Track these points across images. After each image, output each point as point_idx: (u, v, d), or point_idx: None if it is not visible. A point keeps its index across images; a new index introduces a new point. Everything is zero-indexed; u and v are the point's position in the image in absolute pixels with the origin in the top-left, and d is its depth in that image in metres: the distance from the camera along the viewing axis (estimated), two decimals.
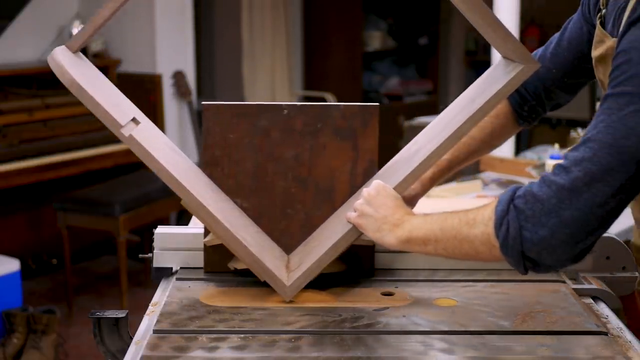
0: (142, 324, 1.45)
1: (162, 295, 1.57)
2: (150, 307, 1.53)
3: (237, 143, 1.60)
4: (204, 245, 1.62)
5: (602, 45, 1.47)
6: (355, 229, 1.50)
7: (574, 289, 1.59)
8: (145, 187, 4.52)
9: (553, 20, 7.57)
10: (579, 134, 3.38)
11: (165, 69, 5.12)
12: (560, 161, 1.32)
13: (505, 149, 3.92)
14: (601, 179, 1.26)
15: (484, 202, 1.45)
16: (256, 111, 1.60)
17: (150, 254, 1.69)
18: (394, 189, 1.51)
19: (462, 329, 1.40)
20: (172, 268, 1.69)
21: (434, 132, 1.58)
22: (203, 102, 1.62)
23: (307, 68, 6.56)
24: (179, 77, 5.14)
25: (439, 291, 1.57)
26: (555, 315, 1.45)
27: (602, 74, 1.53)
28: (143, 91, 5.11)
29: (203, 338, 1.35)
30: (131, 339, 1.43)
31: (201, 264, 1.67)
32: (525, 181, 2.74)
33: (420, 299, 1.53)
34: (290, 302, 1.51)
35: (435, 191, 3.28)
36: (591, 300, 1.58)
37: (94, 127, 4.98)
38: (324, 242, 1.54)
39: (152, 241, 1.69)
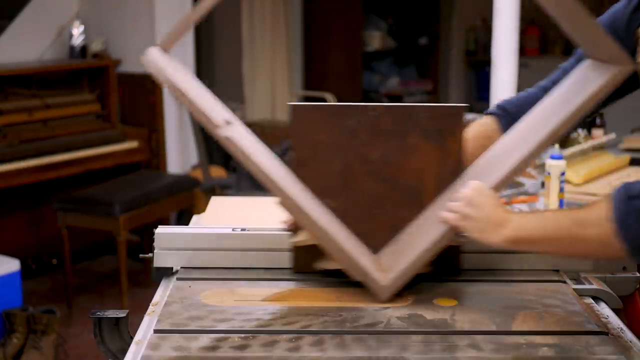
0: (142, 323, 1.45)
1: (163, 295, 1.57)
2: (150, 307, 1.53)
3: (325, 144, 1.60)
4: (293, 246, 1.63)
5: None
6: (452, 231, 1.50)
7: (575, 289, 1.59)
8: (145, 187, 4.52)
9: (553, 20, 7.57)
10: (579, 134, 3.38)
11: None
12: None
13: None
14: None
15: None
16: (344, 112, 1.60)
17: (150, 254, 1.69)
18: (491, 189, 1.51)
19: (462, 329, 1.40)
20: (172, 268, 1.69)
21: (524, 134, 1.58)
22: (291, 104, 1.61)
23: (307, 68, 6.55)
24: None
25: (439, 291, 1.57)
26: (555, 315, 1.45)
27: None
28: (143, 91, 5.11)
29: (203, 338, 1.35)
30: (131, 338, 1.43)
31: (201, 263, 1.68)
32: (525, 181, 2.74)
33: (420, 299, 1.53)
34: (290, 302, 1.51)
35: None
36: (591, 300, 1.58)
37: (94, 127, 4.99)
38: (417, 243, 1.54)
39: (152, 241, 1.69)
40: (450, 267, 1.65)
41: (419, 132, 1.60)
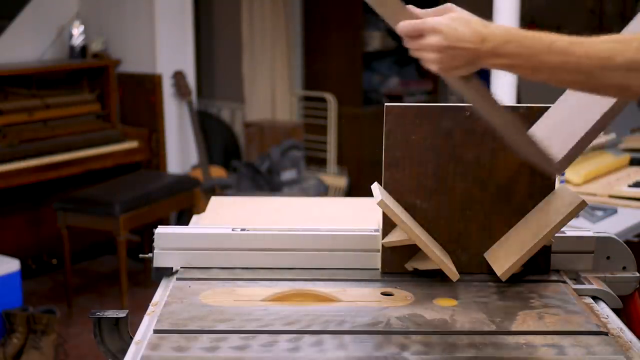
0: (142, 323, 1.45)
1: (163, 295, 1.57)
2: (150, 307, 1.53)
3: (419, 144, 1.60)
4: (382, 246, 1.63)
5: None
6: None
7: (575, 289, 1.59)
8: (145, 187, 4.52)
9: (553, 20, 7.57)
10: None
11: (165, 69, 5.12)
12: None
13: None
14: None
15: None
16: (439, 112, 1.60)
17: (150, 254, 1.69)
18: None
19: (462, 329, 1.40)
20: (172, 268, 1.69)
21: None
22: (386, 105, 1.60)
23: (307, 68, 6.55)
24: (179, 77, 5.14)
25: (439, 291, 1.57)
26: (555, 315, 1.45)
27: None
28: (143, 91, 5.12)
29: (203, 338, 1.35)
30: (131, 338, 1.43)
31: (201, 263, 1.68)
32: None
33: (420, 299, 1.53)
34: (290, 302, 1.51)
35: None
36: (591, 300, 1.58)
37: (94, 127, 5.00)
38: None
39: (152, 241, 1.69)
40: (540, 266, 1.65)
41: None
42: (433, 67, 1.27)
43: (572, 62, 1.22)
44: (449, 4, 1.31)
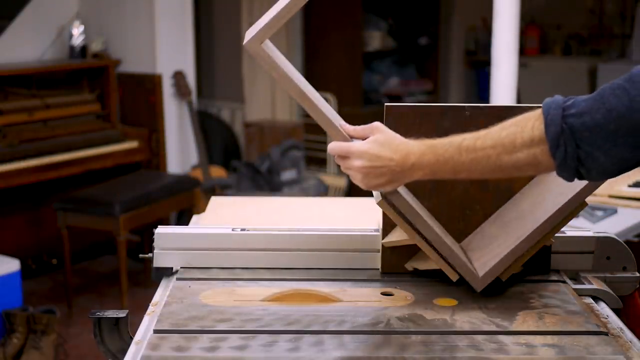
0: (142, 323, 1.45)
1: (163, 295, 1.57)
2: (150, 307, 1.53)
3: None
4: (382, 246, 1.63)
5: None
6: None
7: (575, 289, 1.59)
8: (145, 187, 4.52)
9: (553, 20, 7.57)
10: None
11: (165, 69, 5.12)
12: None
13: None
14: None
15: None
16: (439, 112, 1.60)
17: (150, 254, 1.69)
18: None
19: (462, 329, 1.40)
20: (172, 268, 1.69)
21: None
22: (386, 105, 1.59)
23: (307, 68, 6.55)
24: (179, 77, 5.14)
25: (439, 291, 1.57)
26: (555, 315, 1.45)
27: None
28: (143, 91, 5.12)
29: (203, 338, 1.35)
30: (131, 338, 1.43)
31: (201, 263, 1.68)
32: None
33: (420, 299, 1.53)
34: (290, 302, 1.51)
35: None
36: (591, 300, 1.58)
37: (94, 127, 5.00)
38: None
39: (152, 241, 1.69)
40: (540, 266, 1.65)
41: None
42: (360, 185, 1.43)
43: (482, 155, 1.34)
44: (376, 124, 1.44)
